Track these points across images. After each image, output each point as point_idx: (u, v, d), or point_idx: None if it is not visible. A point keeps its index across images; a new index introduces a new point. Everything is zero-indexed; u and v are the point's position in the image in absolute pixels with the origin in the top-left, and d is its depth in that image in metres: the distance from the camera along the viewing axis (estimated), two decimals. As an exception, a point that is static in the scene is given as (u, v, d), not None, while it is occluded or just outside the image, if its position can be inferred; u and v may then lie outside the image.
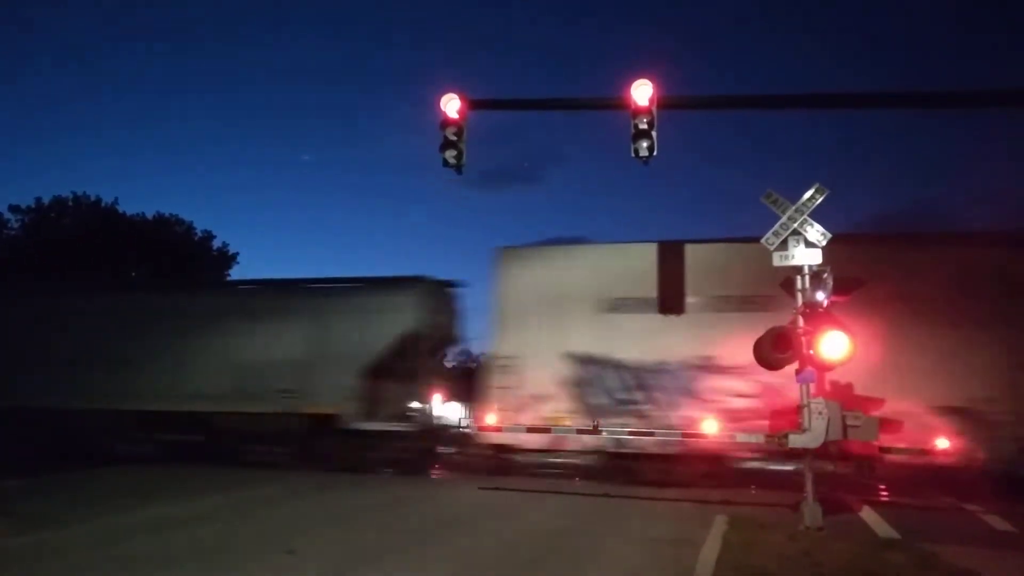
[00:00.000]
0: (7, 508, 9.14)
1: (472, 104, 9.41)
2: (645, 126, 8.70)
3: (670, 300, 12.33)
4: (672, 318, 12.28)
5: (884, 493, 11.71)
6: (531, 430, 11.80)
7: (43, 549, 7.09)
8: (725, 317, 11.83)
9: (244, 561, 6.80)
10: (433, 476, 14.18)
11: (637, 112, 8.74)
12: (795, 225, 8.96)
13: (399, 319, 13.99)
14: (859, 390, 10.43)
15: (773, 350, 8.66)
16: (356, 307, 14.32)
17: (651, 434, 11.64)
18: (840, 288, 9.11)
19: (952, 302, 10.96)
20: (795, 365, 8.66)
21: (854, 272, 10.54)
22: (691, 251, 12.45)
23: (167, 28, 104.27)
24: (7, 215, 29.14)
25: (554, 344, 12.68)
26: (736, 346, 10.59)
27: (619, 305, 12.66)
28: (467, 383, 15.76)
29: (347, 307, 14.44)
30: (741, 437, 10.44)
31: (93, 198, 30.47)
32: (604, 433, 11.81)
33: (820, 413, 8.48)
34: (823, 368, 8.78)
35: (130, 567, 6.47)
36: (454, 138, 9.24)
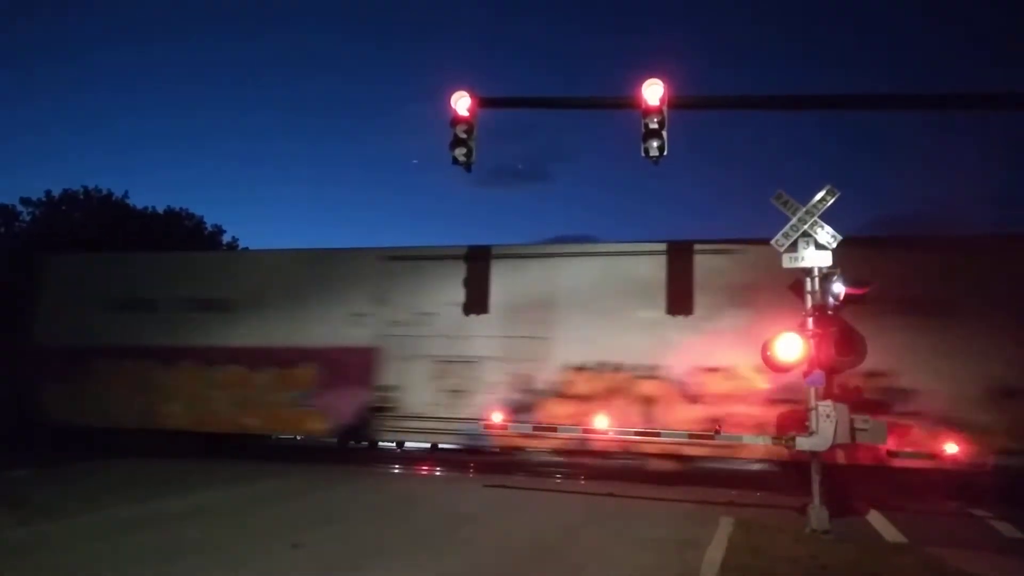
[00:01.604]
0: (15, 498, 9.20)
1: (482, 102, 9.42)
2: (656, 126, 8.68)
3: None
4: None
5: (891, 497, 11.64)
6: (537, 429, 11.78)
7: (49, 540, 7.14)
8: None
9: (250, 555, 6.82)
10: (439, 473, 14.20)
11: (648, 112, 8.73)
12: (805, 227, 8.92)
13: None
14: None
15: (782, 352, 8.64)
16: None
17: (656, 434, 11.60)
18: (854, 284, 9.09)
19: None
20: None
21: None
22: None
23: (178, 20, 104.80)
24: (19, 207, 29.35)
25: None
26: None
27: None
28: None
29: None
30: (747, 439, 10.39)
31: (104, 191, 30.65)
32: (611, 433, 11.77)
33: (828, 416, 8.44)
34: (832, 370, 8.74)
35: (136, 560, 6.50)
36: (464, 136, 9.25)
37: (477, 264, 13.42)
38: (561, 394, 12.59)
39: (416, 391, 13.29)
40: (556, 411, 12.38)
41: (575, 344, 12.68)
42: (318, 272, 14.47)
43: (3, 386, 15.23)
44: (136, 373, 14.62)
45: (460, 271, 13.41)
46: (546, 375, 12.71)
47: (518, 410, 12.32)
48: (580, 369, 12.58)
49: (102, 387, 14.70)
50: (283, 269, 14.95)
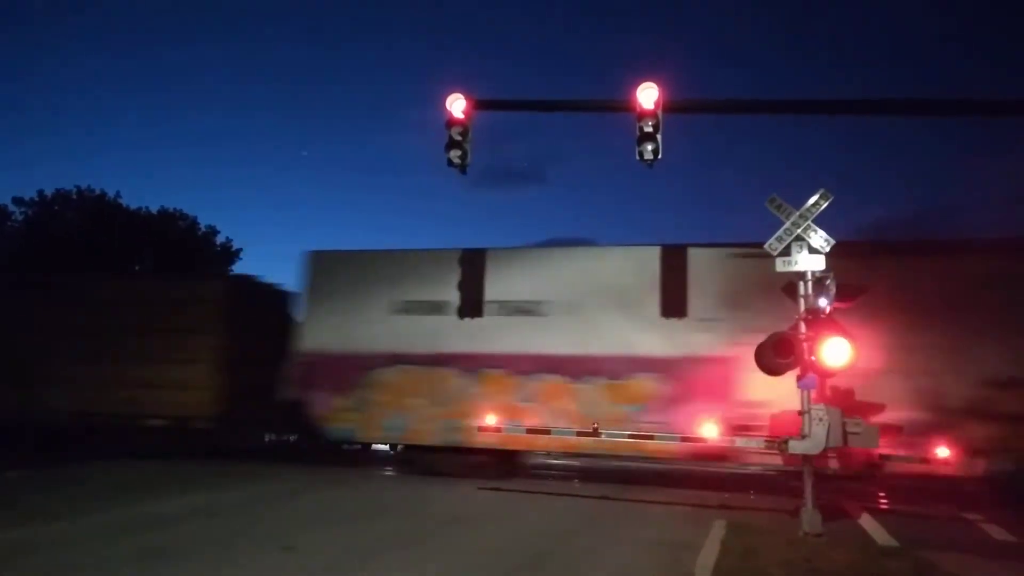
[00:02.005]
0: (8, 500, 9.16)
1: (478, 104, 9.43)
2: (650, 129, 8.70)
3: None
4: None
5: (884, 501, 11.70)
6: (531, 431, 11.75)
7: (43, 542, 7.10)
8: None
9: (242, 557, 6.80)
10: (432, 476, 14.16)
11: (642, 115, 8.74)
12: (799, 231, 8.96)
13: None
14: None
15: (775, 356, 8.66)
16: None
17: (650, 437, 11.60)
18: (843, 295, 9.12)
19: None
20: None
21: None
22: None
23: (172, 21, 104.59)
24: (11, 207, 29.27)
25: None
26: None
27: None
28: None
29: None
30: (741, 442, 10.41)
31: (97, 191, 30.58)
32: (603, 436, 11.77)
33: (821, 419, 8.47)
34: (824, 374, 8.77)
35: (128, 562, 6.48)
36: (459, 138, 9.25)
37: (863, 261, 11.39)
38: (982, 413, 10.70)
39: (790, 408, 11.54)
40: (978, 433, 10.56)
41: (995, 353, 10.83)
42: (649, 271, 12.70)
43: (279, 397, 14.11)
44: (432, 383, 13.21)
45: (842, 267, 12.52)
46: (960, 390, 10.85)
47: (923, 432, 10.35)
48: (1006, 384, 10.69)
49: (390, 399, 13.39)
50: (607, 267, 13.22)
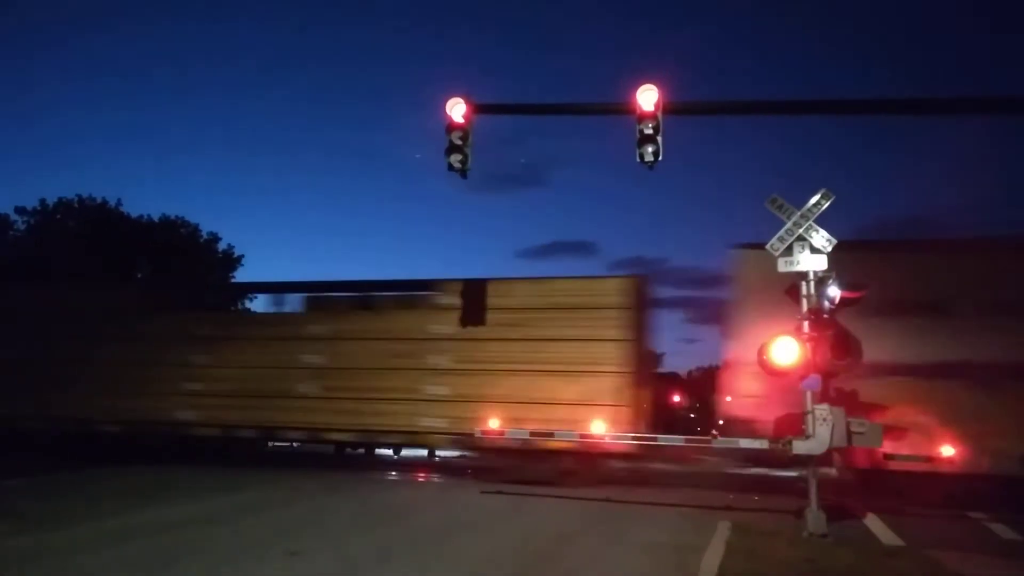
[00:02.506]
0: (8, 508, 9.14)
1: (478, 108, 9.46)
2: (651, 131, 8.74)
3: None
4: None
5: (889, 500, 11.65)
6: (534, 435, 11.73)
7: (44, 550, 7.08)
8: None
9: (247, 563, 6.78)
10: (436, 479, 14.16)
11: (643, 117, 8.78)
12: (800, 231, 8.96)
13: None
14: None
15: (777, 356, 8.66)
16: None
17: (653, 439, 11.58)
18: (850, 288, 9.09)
19: None
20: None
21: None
22: None
23: (174, 29, 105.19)
24: (13, 216, 29.36)
25: None
26: None
27: None
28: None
29: None
30: (744, 443, 10.39)
31: (98, 200, 30.66)
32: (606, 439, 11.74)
33: (824, 419, 8.46)
34: (828, 374, 8.77)
35: (132, 569, 6.47)
36: (459, 142, 9.28)
37: None
38: None
39: None
40: None
41: None
42: None
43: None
44: (933, 399, 10.93)
45: None
46: None
47: None
48: None
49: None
50: None
